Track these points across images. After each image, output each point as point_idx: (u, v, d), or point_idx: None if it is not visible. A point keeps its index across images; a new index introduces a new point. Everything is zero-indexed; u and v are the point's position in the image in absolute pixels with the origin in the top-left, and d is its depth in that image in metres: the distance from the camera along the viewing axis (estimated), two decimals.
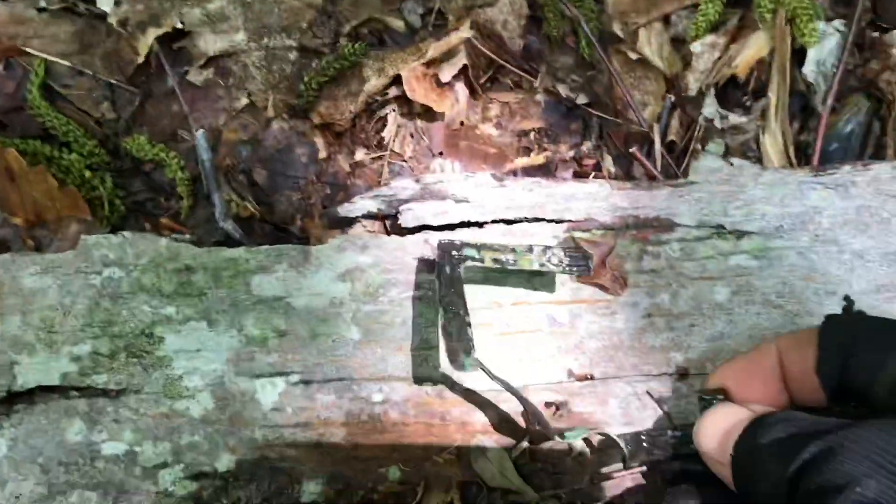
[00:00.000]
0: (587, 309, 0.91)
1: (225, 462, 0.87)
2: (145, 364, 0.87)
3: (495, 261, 0.85)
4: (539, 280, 0.91)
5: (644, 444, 0.88)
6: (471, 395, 0.89)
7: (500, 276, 0.91)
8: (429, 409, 0.89)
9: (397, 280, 0.90)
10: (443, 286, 0.85)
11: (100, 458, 0.86)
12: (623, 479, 0.90)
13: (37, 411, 0.87)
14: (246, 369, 0.88)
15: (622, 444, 0.84)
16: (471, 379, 0.88)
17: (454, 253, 0.85)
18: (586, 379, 0.90)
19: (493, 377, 0.83)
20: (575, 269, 0.86)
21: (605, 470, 0.89)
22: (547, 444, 0.90)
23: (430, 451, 0.89)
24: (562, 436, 0.82)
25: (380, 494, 0.89)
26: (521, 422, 0.89)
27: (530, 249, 0.86)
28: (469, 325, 0.83)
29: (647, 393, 0.90)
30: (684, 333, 0.91)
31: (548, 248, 0.86)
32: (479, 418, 0.90)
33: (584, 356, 0.91)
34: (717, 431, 0.72)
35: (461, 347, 0.81)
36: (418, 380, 0.89)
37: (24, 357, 0.86)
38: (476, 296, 0.90)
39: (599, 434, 0.85)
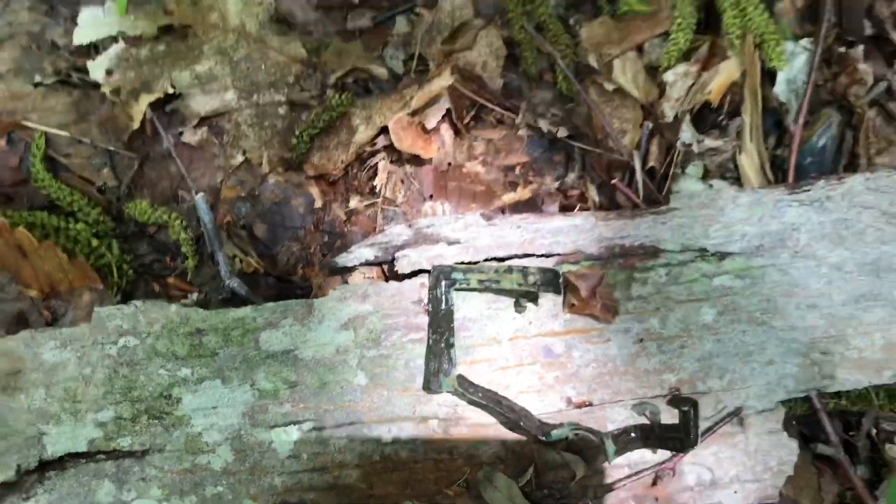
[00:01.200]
0: (581, 338, 0.95)
1: None
2: (166, 424, 0.91)
3: (480, 282, 0.90)
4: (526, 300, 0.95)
5: (633, 441, 0.92)
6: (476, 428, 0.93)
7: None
8: (436, 446, 0.93)
9: (397, 324, 0.93)
10: (433, 309, 0.90)
11: None
12: (623, 489, 0.94)
13: (68, 476, 0.91)
14: (261, 421, 0.91)
15: (603, 440, 0.87)
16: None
17: (443, 276, 0.91)
18: (584, 406, 0.94)
19: (471, 400, 0.89)
20: (549, 287, 0.89)
21: (598, 473, 0.93)
22: (552, 471, 0.94)
23: (440, 484, 0.93)
24: (548, 435, 0.87)
25: None
26: (525, 449, 0.93)
27: (510, 270, 0.90)
28: (452, 346, 0.89)
29: (645, 415, 0.94)
30: (675, 355, 0.95)
31: (525, 268, 0.90)
32: (485, 450, 0.93)
33: (582, 384, 0.94)
34: None
35: (440, 369, 0.88)
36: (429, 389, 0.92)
37: (52, 427, 0.90)
38: (473, 334, 0.94)
39: (583, 431, 0.88)
